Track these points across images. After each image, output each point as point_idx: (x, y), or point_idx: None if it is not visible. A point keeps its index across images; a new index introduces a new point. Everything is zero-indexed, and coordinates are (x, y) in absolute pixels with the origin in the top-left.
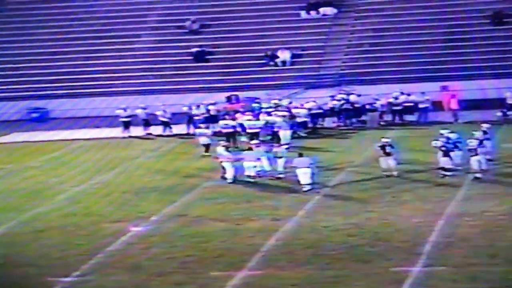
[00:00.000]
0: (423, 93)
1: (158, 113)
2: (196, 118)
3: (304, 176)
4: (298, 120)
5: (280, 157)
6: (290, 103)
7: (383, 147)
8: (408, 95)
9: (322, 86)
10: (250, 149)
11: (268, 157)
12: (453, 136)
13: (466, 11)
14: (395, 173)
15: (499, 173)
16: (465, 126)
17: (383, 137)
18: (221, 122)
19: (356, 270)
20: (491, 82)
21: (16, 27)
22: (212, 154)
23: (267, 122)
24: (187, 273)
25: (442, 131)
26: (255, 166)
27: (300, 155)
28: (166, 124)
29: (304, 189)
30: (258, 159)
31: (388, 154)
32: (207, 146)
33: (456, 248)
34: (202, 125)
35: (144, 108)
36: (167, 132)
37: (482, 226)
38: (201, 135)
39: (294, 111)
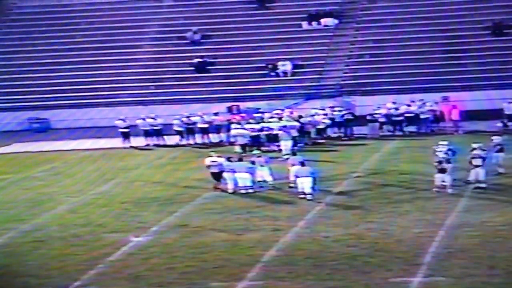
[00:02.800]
0: (423, 103)
1: (175, 122)
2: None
3: (306, 185)
4: (320, 126)
5: (294, 165)
6: (291, 113)
7: (440, 163)
8: (408, 105)
9: (323, 96)
10: (240, 159)
11: (270, 167)
12: (444, 148)
13: (466, 22)
14: (449, 190)
15: (499, 183)
16: (465, 137)
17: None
18: (247, 126)
19: (356, 280)
20: (492, 93)
21: (18, 38)
22: (248, 153)
23: (285, 126)
24: (187, 283)
25: (441, 143)
26: (256, 176)
27: (302, 164)
28: (180, 134)
29: (308, 197)
30: (250, 170)
31: (443, 171)
32: (244, 146)
33: (456, 258)
34: (239, 126)
35: (154, 118)
36: (184, 142)
37: (482, 236)
38: (239, 135)
39: (317, 118)
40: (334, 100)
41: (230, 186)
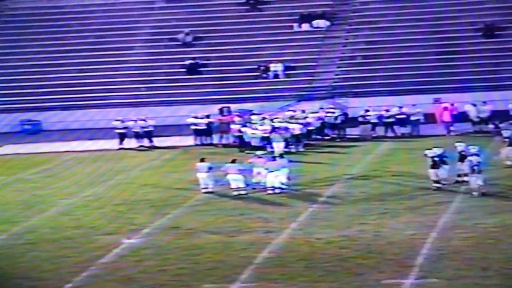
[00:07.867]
0: (414, 105)
1: (215, 119)
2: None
3: (277, 179)
4: (312, 128)
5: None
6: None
7: (432, 158)
8: (400, 107)
9: (315, 98)
10: (233, 161)
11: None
12: (439, 151)
13: (458, 24)
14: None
15: (491, 185)
16: (457, 138)
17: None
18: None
19: (349, 282)
20: (483, 94)
21: (11, 39)
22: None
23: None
24: (180, 285)
25: (456, 144)
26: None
27: (274, 158)
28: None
29: (276, 191)
30: (242, 171)
31: (436, 166)
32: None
33: (448, 260)
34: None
35: (144, 120)
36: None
37: (474, 238)
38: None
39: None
40: (326, 102)
41: (210, 186)
